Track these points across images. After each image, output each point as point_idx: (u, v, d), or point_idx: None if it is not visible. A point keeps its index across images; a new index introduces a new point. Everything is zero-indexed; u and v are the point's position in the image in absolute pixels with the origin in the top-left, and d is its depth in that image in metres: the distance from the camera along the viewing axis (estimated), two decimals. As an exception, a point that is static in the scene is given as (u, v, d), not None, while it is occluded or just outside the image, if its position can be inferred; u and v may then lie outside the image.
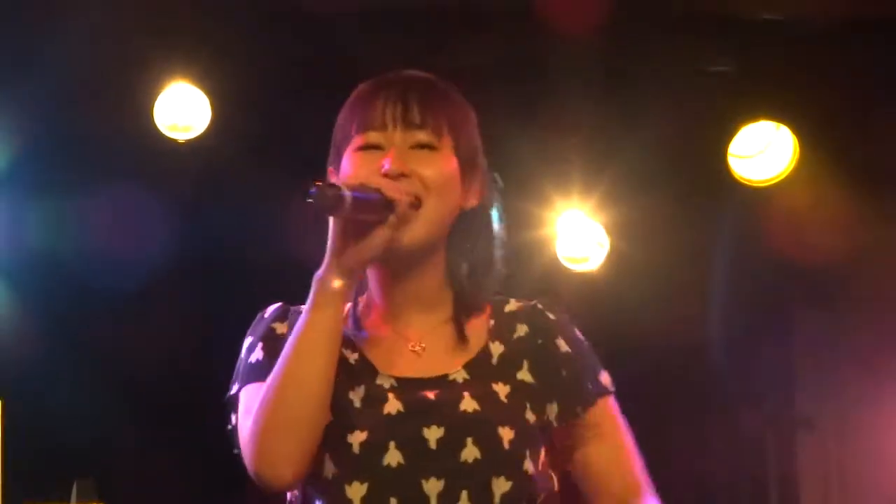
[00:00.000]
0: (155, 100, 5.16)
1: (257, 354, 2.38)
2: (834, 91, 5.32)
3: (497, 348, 2.42)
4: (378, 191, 2.22)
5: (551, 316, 2.46)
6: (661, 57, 5.27)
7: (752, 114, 5.38)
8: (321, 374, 2.25)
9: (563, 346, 2.44)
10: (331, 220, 2.22)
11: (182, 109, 5.20)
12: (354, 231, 2.22)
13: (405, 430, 2.30)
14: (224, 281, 5.50)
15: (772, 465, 6.54)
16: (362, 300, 2.43)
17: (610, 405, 2.46)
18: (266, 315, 2.43)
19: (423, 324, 2.41)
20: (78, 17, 4.94)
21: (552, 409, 2.40)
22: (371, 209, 2.22)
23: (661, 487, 6.03)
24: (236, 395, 2.38)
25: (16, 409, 4.99)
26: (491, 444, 2.31)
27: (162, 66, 5.19)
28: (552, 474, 2.40)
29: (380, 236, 2.23)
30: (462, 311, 2.41)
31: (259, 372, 2.35)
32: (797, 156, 5.37)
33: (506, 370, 2.40)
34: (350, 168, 2.33)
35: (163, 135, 5.19)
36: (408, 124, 2.33)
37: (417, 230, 2.31)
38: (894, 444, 6.36)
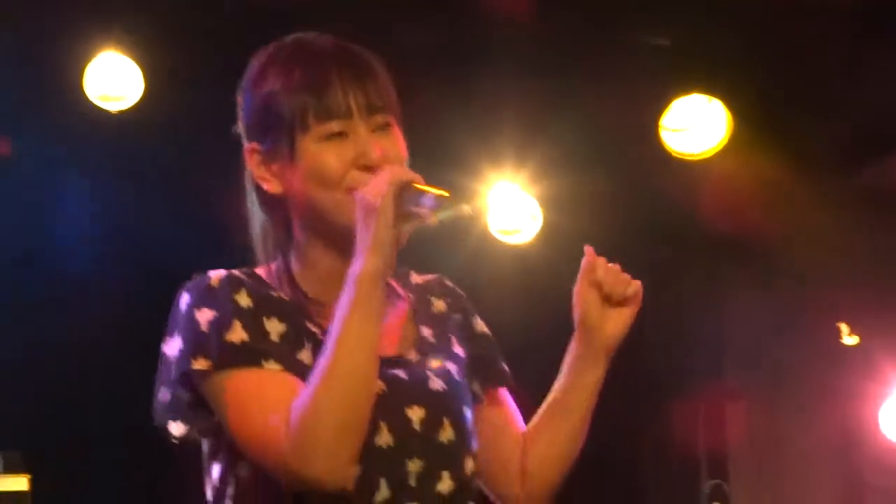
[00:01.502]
0: (85, 68, 5.07)
1: (238, 334, 2.29)
2: (768, 66, 5.34)
3: (427, 326, 2.44)
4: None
5: (462, 293, 2.50)
6: (595, 31, 5.23)
7: (685, 88, 5.37)
8: (376, 366, 2.24)
9: (480, 326, 2.48)
10: (370, 216, 2.21)
11: (114, 79, 5.09)
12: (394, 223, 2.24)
13: (391, 410, 2.30)
14: (147, 258, 5.43)
15: (702, 435, 6.55)
16: (305, 273, 2.39)
17: (507, 392, 2.51)
18: (216, 285, 2.34)
19: None
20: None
21: (476, 384, 2.45)
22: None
23: (592, 455, 6.02)
24: (206, 374, 2.29)
25: None
26: (461, 424, 2.35)
27: (94, 34, 5.08)
28: None
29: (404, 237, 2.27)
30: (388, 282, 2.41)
31: (250, 355, 2.28)
32: (730, 130, 5.36)
33: (445, 346, 2.43)
34: (323, 160, 2.29)
35: (93, 104, 5.09)
36: (371, 111, 2.31)
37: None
38: (819, 415, 6.40)
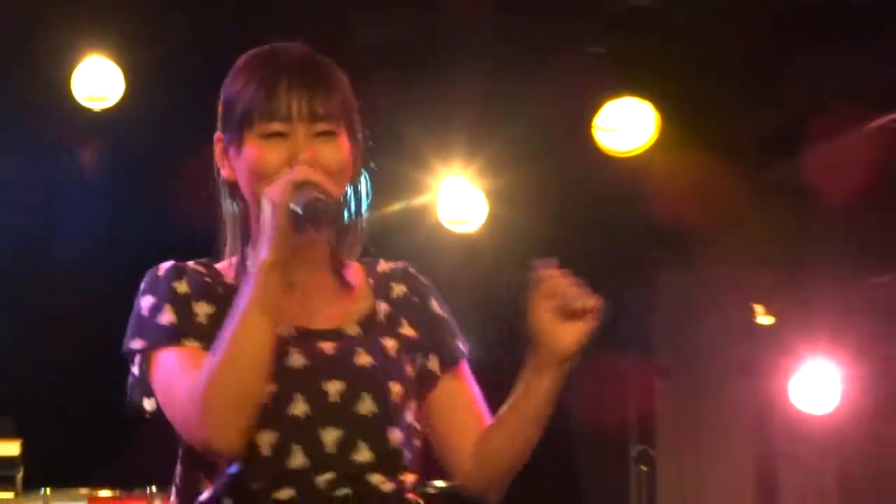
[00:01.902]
0: (72, 72, 5.05)
1: (167, 316, 2.32)
2: (693, 71, 5.31)
3: (383, 307, 2.43)
4: (325, 190, 2.24)
5: (424, 280, 2.48)
6: (539, 39, 5.20)
7: (618, 91, 5.38)
8: (269, 351, 2.24)
9: (437, 307, 2.47)
10: (270, 210, 2.22)
11: (97, 81, 5.06)
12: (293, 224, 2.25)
13: (309, 383, 2.29)
14: (127, 242, 5.40)
15: (631, 404, 6.58)
16: (249, 253, 2.38)
17: (467, 367, 2.47)
18: (161, 274, 2.38)
19: (306, 276, 2.39)
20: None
21: (434, 361, 2.42)
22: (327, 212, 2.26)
23: None
24: (141, 352, 2.32)
25: None
26: (383, 398, 2.32)
27: (79, 41, 5.06)
28: (421, 425, 2.43)
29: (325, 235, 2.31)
30: (337, 265, 2.42)
31: (173, 335, 2.30)
32: (658, 129, 5.35)
33: (392, 326, 2.41)
34: (258, 156, 2.31)
35: (80, 104, 5.06)
36: (312, 118, 2.32)
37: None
38: (736, 387, 6.42)
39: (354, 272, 2.47)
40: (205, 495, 2.30)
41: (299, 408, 2.28)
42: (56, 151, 5.44)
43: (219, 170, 2.42)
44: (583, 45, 5.29)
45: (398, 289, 2.47)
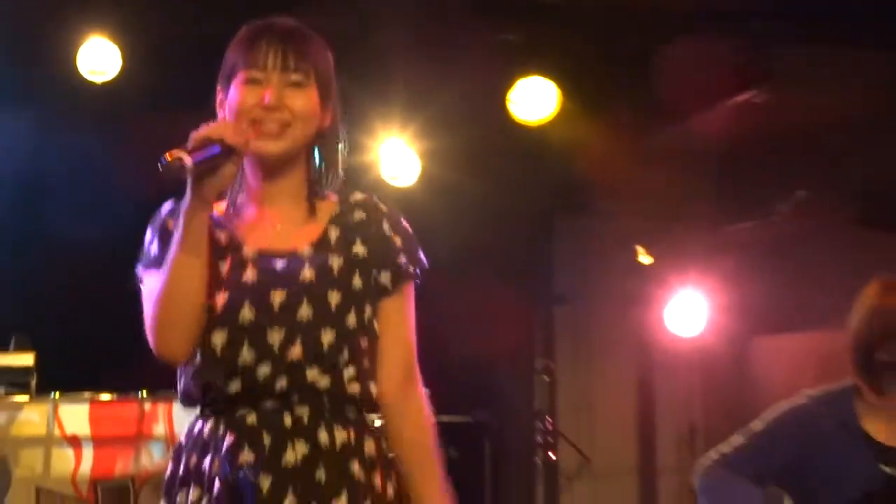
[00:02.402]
0: (77, 50, 5.01)
1: (155, 246, 2.38)
2: (589, 55, 5.32)
3: (334, 231, 2.41)
4: (222, 141, 2.23)
5: (383, 207, 2.46)
6: (465, 27, 5.17)
7: (527, 71, 5.36)
8: (199, 279, 2.28)
9: (388, 230, 2.44)
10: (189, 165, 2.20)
11: (98, 58, 5.03)
12: (208, 170, 2.22)
13: (257, 293, 2.32)
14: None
15: (536, 330, 6.63)
16: (240, 189, 2.42)
17: (411, 288, 2.46)
18: (162, 212, 2.42)
19: (286, 208, 2.42)
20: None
21: (386, 276, 2.41)
22: (215, 159, 2.23)
23: (456, 345, 6.13)
24: (140, 275, 2.41)
25: None
26: (321, 303, 2.33)
27: (84, 23, 5.02)
28: (376, 328, 2.39)
29: (226, 174, 2.26)
30: (313, 197, 2.43)
31: (156, 262, 2.36)
32: (560, 103, 5.37)
33: (342, 246, 2.40)
34: (238, 97, 2.35)
35: (84, 77, 5.05)
36: (284, 68, 2.34)
37: (285, 144, 2.36)
38: (623, 313, 6.49)
39: (328, 200, 2.45)
40: (181, 385, 2.37)
41: (247, 314, 2.30)
42: (63, 113, 5.33)
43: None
44: (500, 34, 5.28)
45: (359, 215, 2.44)
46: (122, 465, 4.77)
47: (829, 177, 5.43)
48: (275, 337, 2.30)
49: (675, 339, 6.35)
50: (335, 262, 2.38)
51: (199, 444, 2.33)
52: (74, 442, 4.74)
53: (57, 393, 4.79)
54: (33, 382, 4.79)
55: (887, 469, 3.22)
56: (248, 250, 2.37)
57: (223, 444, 2.29)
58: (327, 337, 2.32)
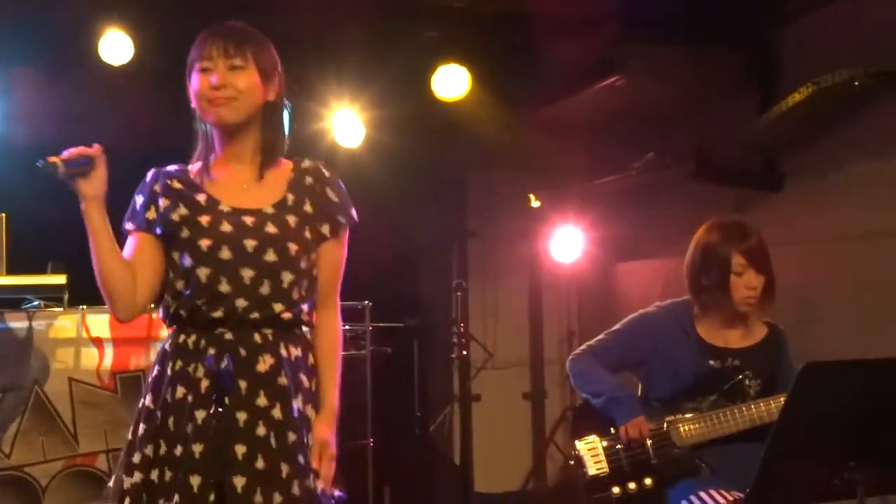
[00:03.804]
0: (99, 40, 4.88)
1: (139, 205, 2.35)
2: (488, 48, 5.25)
3: (290, 195, 2.38)
4: (89, 156, 2.20)
5: (326, 173, 2.43)
6: (399, 26, 5.08)
7: (446, 59, 5.31)
8: (110, 254, 2.25)
9: (331, 193, 2.41)
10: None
11: (115, 47, 4.89)
12: (78, 174, 2.20)
13: (234, 239, 2.30)
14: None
15: (454, 257, 6.58)
16: (212, 156, 2.38)
17: (346, 235, 2.43)
18: (148, 179, 2.38)
19: (247, 168, 2.38)
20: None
21: (325, 228, 2.39)
22: (82, 168, 2.20)
23: (390, 271, 6.03)
24: (130, 231, 2.34)
25: (13, 216, 4.75)
26: (283, 252, 2.31)
27: (105, 17, 4.86)
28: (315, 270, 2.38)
29: (97, 176, 2.21)
30: (265, 164, 2.38)
31: (137, 220, 2.33)
32: (470, 84, 5.31)
33: (297, 207, 2.37)
34: (195, 84, 2.32)
35: (104, 62, 4.91)
36: (226, 55, 2.30)
37: (234, 113, 2.31)
38: (519, 245, 6.43)
39: (284, 167, 2.41)
40: (173, 307, 2.31)
41: (225, 254, 2.28)
42: (86, 88, 5.10)
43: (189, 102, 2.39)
44: (425, 31, 5.23)
45: (308, 180, 2.41)
46: (136, 361, 4.70)
47: (669, 142, 5.44)
48: (248, 274, 2.28)
49: (557, 264, 6.37)
50: (292, 219, 2.35)
51: (184, 354, 2.29)
52: (98, 343, 4.66)
53: (84, 305, 4.68)
54: (66, 297, 4.70)
55: (712, 362, 3.26)
56: (224, 207, 2.33)
57: (206, 354, 2.26)
58: (287, 277, 2.31)
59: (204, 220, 2.32)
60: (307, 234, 2.36)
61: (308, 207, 2.38)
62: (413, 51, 5.27)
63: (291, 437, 2.28)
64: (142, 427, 2.31)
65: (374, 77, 5.37)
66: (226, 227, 2.31)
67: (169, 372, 2.31)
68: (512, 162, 6.22)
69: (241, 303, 2.27)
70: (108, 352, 4.69)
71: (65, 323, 4.66)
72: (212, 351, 2.26)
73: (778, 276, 3.25)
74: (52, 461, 4.52)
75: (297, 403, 2.30)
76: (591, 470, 3.28)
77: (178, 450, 2.26)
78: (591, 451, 3.29)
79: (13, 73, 4.94)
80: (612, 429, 3.31)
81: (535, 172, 6.33)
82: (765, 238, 3.25)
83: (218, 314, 2.27)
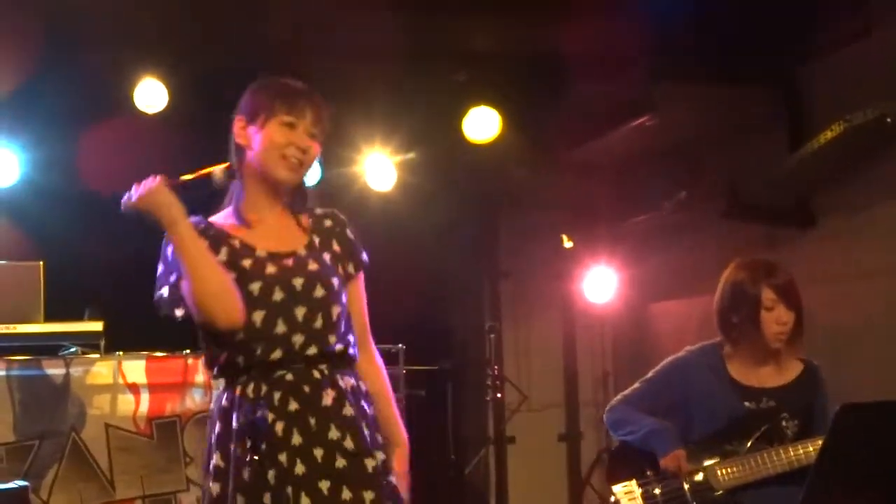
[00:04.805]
0: (135, 88, 4.94)
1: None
2: (520, 93, 5.27)
3: (315, 237, 2.44)
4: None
5: (342, 217, 2.49)
6: (429, 71, 5.11)
7: (476, 102, 5.31)
8: (212, 257, 2.28)
9: (349, 234, 2.49)
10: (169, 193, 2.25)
11: (150, 95, 4.95)
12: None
13: (283, 280, 2.32)
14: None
15: (486, 298, 6.57)
16: (243, 205, 2.40)
17: (362, 275, 2.48)
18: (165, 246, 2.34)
19: (277, 218, 2.43)
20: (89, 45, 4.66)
21: (350, 266, 2.46)
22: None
23: (423, 312, 5.96)
24: (175, 283, 2.30)
25: (51, 264, 4.78)
26: (329, 287, 2.35)
27: (140, 65, 4.92)
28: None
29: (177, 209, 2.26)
30: (294, 212, 2.44)
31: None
32: (501, 126, 5.31)
33: (325, 247, 2.44)
34: (276, 136, 2.33)
35: (139, 110, 4.96)
36: (314, 122, 2.36)
37: (298, 177, 2.38)
38: (553, 286, 6.38)
39: (305, 215, 2.48)
40: (224, 357, 2.29)
41: (278, 295, 2.30)
42: (123, 135, 5.05)
43: (234, 140, 2.38)
44: (455, 73, 5.27)
45: (328, 223, 2.47)
46: (171, 406, 4.74)
47: (700, 180, 5.41)
48: (300, 312, 2.29)
49: (590, 304, 6.34)
50: (326, 256, 2.40)
51: (244, 405, 2.26)
52: (134, 389, 4.69)
53: (121, 352, 4.73)
54: (102, 343, 4.73)
55: (747, 404, 3.24)
56: (261, 252, 2.35)
57: (272, 397, 2.25)
58: (335, 310, 2.34)
59: (247, 263, 2.33)
60: (340, 271, 2.41)
61: (336, 247, 2.44)
62: (443, 93, 5.30)
63: (370, 463, 2.31)
64: (215, 486, 2.29)
65: (404, 120, 5.39)
66: (270, 269, 2.33)
67: (234, 426, 2.28)
68: (544, 202, 6.24)
69: (297, 339, 2.28)
70: (145, 398, 4.69)
71: (101, 369, 4.66)
72: (277, 395, 2.25)
73: (811, 313, 3.24)
74: (89, 508, 4.58)
75: (366, 431, 2.33)
76: (629, 514, 3.26)
77: (267, 498, 2.25)
78: (629, 496, 3.27)
79: (49, 122, 4.99)
80: (648, 472, 3.28)
81: (567, 213, 6.33)
82: (797, 275, 3.25)
83: (276, 355, 2.27)
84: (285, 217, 2.44)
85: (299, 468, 2.24)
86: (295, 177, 2.37)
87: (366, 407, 2.38)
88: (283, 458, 2.24)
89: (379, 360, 2.49)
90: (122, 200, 2.25)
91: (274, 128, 2.34)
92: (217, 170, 2.31)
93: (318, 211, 2.49)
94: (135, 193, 2.25)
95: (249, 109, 2.38)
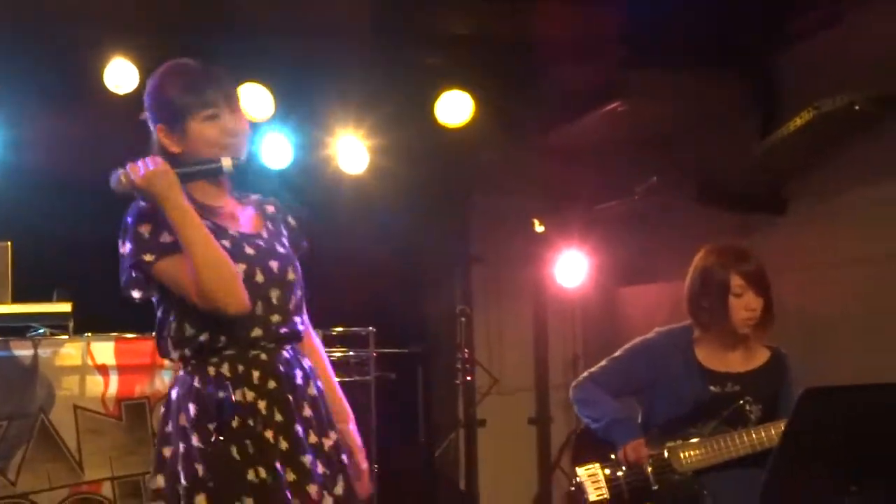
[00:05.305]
0: (105, 68, 4.87)
1: (167, 237, 2.27)
2: (493, 75, 5.24)
3: (269, 223, 2.49)
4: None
5: (282, 204, 2.55)
6: (402, 55, 5.09)
7: (448, 86, 5.30)
8: (214, 239, 2.29)
9: (291, 221, 2.55)
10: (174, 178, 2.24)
11: (121, 75, 4.87)
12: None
13: (261, 262, 2.36)
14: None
15: (458, 282, 6.54)
16: (195, 196, 2.39)
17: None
18: (142, 212, 2.29)
19: (229, 201, 2.46)
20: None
21: (300, 247, 2.54)
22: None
23: (394, 296, 5.93)
24: (151, 263, 2.26)
25: (18, 245, 4.72)
26: (296, 270, 2.44)
27: (110, 45, 4.85)
28: None
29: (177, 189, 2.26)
30: (238, 199, 2.48)
31: (174, 247, 2.25)
32: (473, 111, 5.31)
33: (278, 231, 2.49)
34: (207, 133, 2.34)
35: (109, 90, 4.89)
36: (228, 100, 2.36)
37: (243, 153, 2.40)
38: (525, 268, 6.39)
39: (247, 202, 2.51)
40: (203, 337, 2.27)
41: (259, 277, 2.34)
42: (91, 115, 5.01)
43: (162, 147, 2.40)
44: (428, 56, 5.24)
45: (269, 209, 2.52)
46: (140, 388, 4.73)
47: (671, 166, 5.40)
48: (275, 294, 2.35)
49: (561, 288, 6.34)
50: (284, 240, 2.47)
51: (221, 383, 2.27)
52: (103, 370, 4.68)
53: (90, 333, 4.71)
54: (71, 325, 4.71)
55: (713, 388, 3.27)
56: (233, 233, 2.37)
57: (251, 376, 2.28)
58: (299, 293, 2.43)
59: (226, 244, 2.32)
60: (294, 254, 2.49)
61: (285, 232, 2.51)
62: (416, 77, 5.28)
63: (333, 436, 2.43)
64: (201, 468, 2.25)
65: (377, 103, 5.37)
66: (249, 250, 2.36)
67: (211, 407, 2.27)
68: (515, 187, 6.23)
69: (275, 318, 2.34)
70: (113, 379, 4.68)
71: (70, 350, 4.65)
72: (256, 374, 2.29)
73: (782, 300, 3.27)
74: (57, 489, 4.53)
75: (323, 410, 2.42)
76: (592, 496, 3.29)
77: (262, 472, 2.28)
78: (592, 478, 3.30)
79: (18, 101, 4.95)
80: (612, 455, 3.31)
81: (539, 197, 6.32)
82: (769, 262, 3.28)
83: (256, 333, 2.31)
84: (234, 203, 2.47)
85: (283, 444, 2.30)
86: (241, 156, 2.38)
87: (320, 385, 2.46)
88: (269, 434, 2.29)
89: (318, 340, 2.58)
90: (113, 177, 2.23)
91: (199, 126, 2.31)
92: (226, 161, 2.30)
93: (256, 197, 2.53)
94: (140, 171, 2.20)
95: (166, 116, 2.33)
